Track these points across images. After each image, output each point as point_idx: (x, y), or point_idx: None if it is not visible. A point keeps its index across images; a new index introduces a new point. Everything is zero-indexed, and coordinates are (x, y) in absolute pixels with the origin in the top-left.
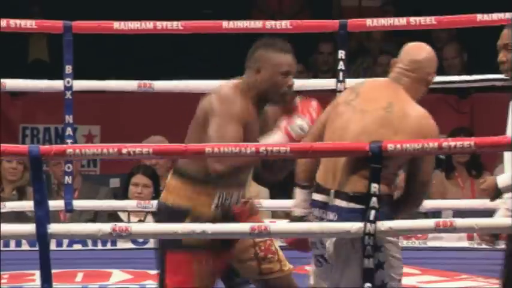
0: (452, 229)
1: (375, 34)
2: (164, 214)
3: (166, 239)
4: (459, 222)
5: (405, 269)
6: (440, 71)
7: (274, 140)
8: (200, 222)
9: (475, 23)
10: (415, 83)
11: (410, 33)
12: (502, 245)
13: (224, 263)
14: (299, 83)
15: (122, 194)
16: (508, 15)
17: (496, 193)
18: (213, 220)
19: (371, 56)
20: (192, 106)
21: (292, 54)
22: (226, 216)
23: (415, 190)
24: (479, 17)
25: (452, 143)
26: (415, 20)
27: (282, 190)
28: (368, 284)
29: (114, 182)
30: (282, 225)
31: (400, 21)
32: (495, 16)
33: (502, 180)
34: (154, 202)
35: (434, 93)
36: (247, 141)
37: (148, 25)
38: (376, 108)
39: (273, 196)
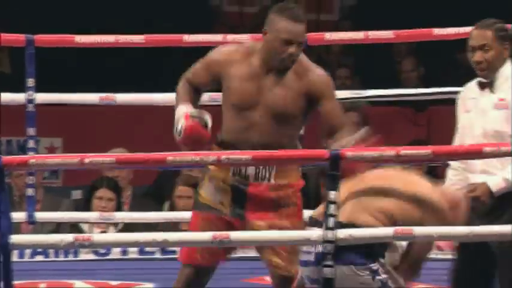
0: (411, 237)
1: (333, 47)
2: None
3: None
4: (418, 230)
5: None
6: (397, 84)
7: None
8: (213, 183)
9: (431, 37)
10: None
11: (368, 47)
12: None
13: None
14: None
15: (84, 205)
16: (463, 29)
17: (490, 198)
18: (224, 182)
19: (329, 69)
20: (153, 118)
21: (301, 23)
22: (238, 188)
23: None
24: (436, 31)
25: (410, 152)
26: (373, 34)
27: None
28: None
29: (76, 194)
30: (242, 234)
31: (358, 35)
32: (451, 30)
33: (493, 183)
34: (117, 214)
35: (391, 106)
36: (225, 91)
37: (109, 38)
38: None
39: None
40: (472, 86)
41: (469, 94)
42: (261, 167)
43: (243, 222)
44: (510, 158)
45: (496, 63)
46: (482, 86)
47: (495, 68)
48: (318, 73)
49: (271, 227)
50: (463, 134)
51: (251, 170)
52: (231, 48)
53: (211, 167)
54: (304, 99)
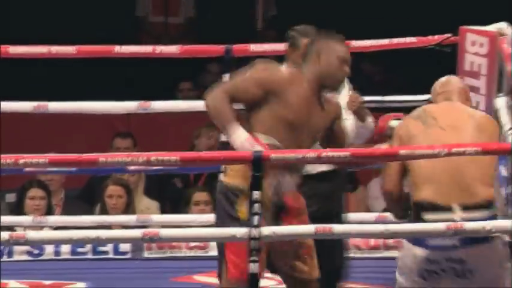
0: (331, 234)
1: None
2: (221, 193)
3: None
4: (337, 228)
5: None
6: None
7: (238, 138)
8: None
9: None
10: None
11: None
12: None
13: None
14: (186, 105)
15: (17, 207)
16: (381, 41)
17: None
18: (266, 203)
19: None
20: (87, 126)
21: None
22: (278, 204)
23: None
24: (353, 43)
25: (330, 153)
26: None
27: (172, 204)
28: None
29: (10, 197)
30: (172, 231)
31: (282, 46)
32: (369, 42)
33: None
34: (50, 217)
35: None
36: (279, 107)
37: (42, 49)
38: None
39: (163, 211)
40: None
41: None
42: None
43: None
44: None
45: None
46: None
47: None
48: (335, 96)
49: None
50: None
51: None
52: (284, 70)
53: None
54: (331, 121)
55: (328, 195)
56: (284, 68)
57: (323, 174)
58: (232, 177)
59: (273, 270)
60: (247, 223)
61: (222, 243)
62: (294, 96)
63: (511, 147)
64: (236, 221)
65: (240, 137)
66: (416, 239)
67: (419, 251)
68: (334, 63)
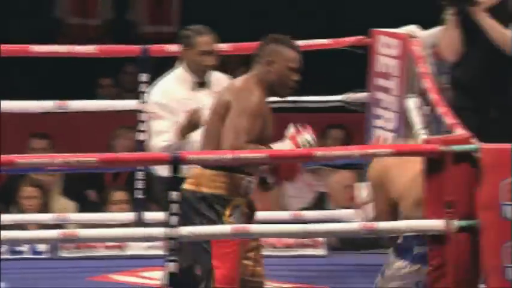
0: (247, 234)
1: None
2: (202, 202)
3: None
4: (254, 227)
5: None
6: None
7: (284, 147)
8: (238, 211)
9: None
10: None
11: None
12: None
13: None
14: (103, 104)
15: None
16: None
17: None
18: (244, 207)
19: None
20: (3, 125)
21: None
22: (250, 203)
23: None
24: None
25: (246, 155)
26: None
27: (89, 204)
28: None
29: None
30: (91, 231)
31: None
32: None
33: None
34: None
35: None
36: (265, 133)
37: None
38: None
39: (80, 210)
40: (176, 86)
41: (180, 95)
42: None
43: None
44: None
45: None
46: (199, 86)
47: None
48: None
49: None
50: None
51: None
52: (256, 91)
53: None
54: None
55: None
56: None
57: None
58: (209, 185)
59: None
60: None
61: (207, 253)
62: (268, 112)
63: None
64: None
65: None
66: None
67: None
68: (286, 73)
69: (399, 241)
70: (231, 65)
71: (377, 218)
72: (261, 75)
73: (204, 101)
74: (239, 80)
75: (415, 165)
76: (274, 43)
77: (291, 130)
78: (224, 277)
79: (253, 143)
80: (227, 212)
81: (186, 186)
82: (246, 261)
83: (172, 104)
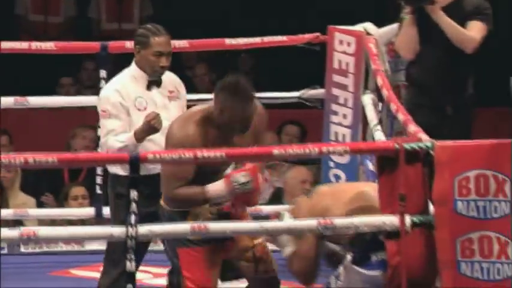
0: (206, 232)
1: None
2: (166, 218)
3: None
4: (212, 226)
5: (161, 270)
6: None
7: (216, 187)
8: (200, 219)
9: (224, 46)
10: None
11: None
12: None
13: (224, 256)
14: (63, 100)
15: None
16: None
17: None
18: (211, 216)
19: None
20: None
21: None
22: (222, 212)
23: None
24: (227, 41)
25: (206, 154)
26: (179, 43)
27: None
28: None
29: None
30: (50, 229)
31: None
32: (241, 41)
33: None
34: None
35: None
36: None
37: None
38: None
39: (39, 205)
40: (129, 85)
41: (132, 94)
42: None
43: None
44: None
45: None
46: (151, 84)
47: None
48: None
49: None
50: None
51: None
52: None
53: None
54: None
55: None
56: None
57: None
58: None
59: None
60: None
61: (177, 260)
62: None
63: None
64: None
65: (217, 186)
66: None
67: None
68: (236, 123)
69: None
70: (189, 62)
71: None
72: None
73: (157, 100)
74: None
75: (345, 194)
76: (227, 93)
77: (228, 170)
78: (195, 285)
79: (186, 184)
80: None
81: (160, 201)
82: (244, 263)
83: (126, 102)
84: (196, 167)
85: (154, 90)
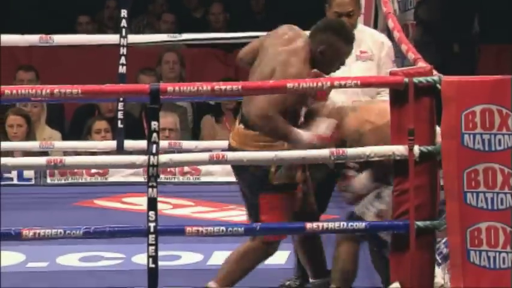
0: (224, 161)
1: None
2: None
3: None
4: (230, 155)
5: (181, 201)
6: (208, 28)
7: (305, 137)
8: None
9: None
10: None
11: None
12: None
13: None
14: (86, 38)
15: None
16: None
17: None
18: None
19: (153, 14)
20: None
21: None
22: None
23: None
24: None
25: (223, 87)
26: None
27: (72, 133)
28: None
29: None
30: (75, 158)
31: None
32: None
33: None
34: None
35: (203, 48)
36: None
37: None
38: None
39: (64, 138)
40: None
41: None
42: None
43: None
44: None
45: (356, 23)
46: None
47: (355, 26)
48: None
49: None
50: None
51: None
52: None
53: None
54: None
55: None
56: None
57: None
58: (251, 146)
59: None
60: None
61: (256, 207)
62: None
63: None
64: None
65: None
66: None
67: None
68: (334, 62)
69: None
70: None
71: None
72: (311, 54)
73: None
74: (288, 49)
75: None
76: (331, 32)
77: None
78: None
79: (282, 115)
80: (272, 169)
81: (232, 143)
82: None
83: None
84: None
85: None
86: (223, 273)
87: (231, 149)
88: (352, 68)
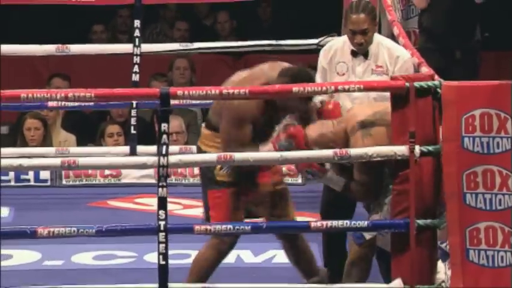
0: (231, 161)
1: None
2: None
3: (206, 179)
4: (238, 156)
5: (191, 202)
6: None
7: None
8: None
9: None
10: None
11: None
12: None
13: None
14: (100, 48)
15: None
16: None
17: None
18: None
19: (165, 21)
20: (9, 66)
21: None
22: None
23: None
24: None
25: (231, 91)
26: None
27: (88, 137)
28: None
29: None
30: (89, 159)
31: None
32: None
33: None
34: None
35: (213, 54)
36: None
37: None
38: None
39: (79, 144)
40: (337, 50)
41: (337, 57)
42: None
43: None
44: None
45: (372, 40)
46: (355, 53)
47: (370, 43)
48: None
49: None
50: (339, 95)
51: None
52: None
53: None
54: None
55: None
56: None
57: None
58: (205, 145)
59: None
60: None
61: (206, 203)
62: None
63: None
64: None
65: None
66: None
67: None
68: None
69: None
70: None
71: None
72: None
73: (357, 70)
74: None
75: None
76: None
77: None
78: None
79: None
80: (218, 166)
81: (199, 143)
82: (261, 208)
83: (327, 63)
84: (253, 132)
85: (360, 60)
86: (192, 278)
87: (198, 149)
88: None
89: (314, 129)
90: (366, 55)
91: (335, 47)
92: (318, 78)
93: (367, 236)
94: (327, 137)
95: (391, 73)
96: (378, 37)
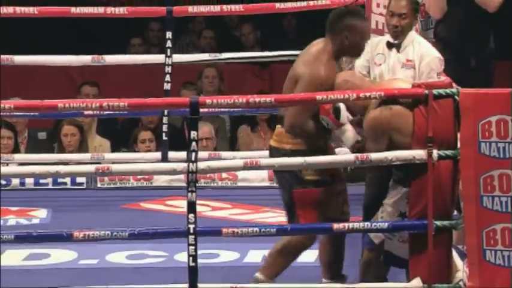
0: (257, 167)
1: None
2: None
3: (292, 179)
4: (263, 161)
5: (219, 204)
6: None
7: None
8: None
9: (274, 10)
10: None
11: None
12: None
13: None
14: (134, 58)
15: None
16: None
17: None
18: None
19: (194, 33)
20: (47, 76)
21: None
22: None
23: None
24: (277, 5)
25: (257, 99)
26: (227, 7)
27: (122, 143)
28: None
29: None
30: (121, 166)
31: (215, 8)
32: (289, 5)
33: None
34: (16, 155)
35: (240, 64)
36: None
37: (9, 10)
38: None
39: (113, 148)
40: (379, 42)
41: (377, 49)
42: None
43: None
44: None
45: (407, 30)
46: (389, 45)
47: (406, 33)
48: None
49: None
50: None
51: None
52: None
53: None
54: None
55: None
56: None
57: None
58: (288, 143)
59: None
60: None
61: (292, 204)
62: None
63: None
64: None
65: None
66: None
67: None
68: (360, 44)
69: None
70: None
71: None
72: (335, 47)
73: (390, 62)
74: (310, 52)
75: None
76: (349, 16)
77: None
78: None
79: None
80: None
81: (271, 143)
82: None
83: (369, 53)
84: None
85: (394, 53)
86: (268, 265)
87: (270, 148)
88: (397, 74)
89: (343, 75)
90: (398, 48)
91: (379, 39)
92: (363, 64)
93: (376, 240)
94: (349, 85)
95: (417, 68)
96: (414, 34)
